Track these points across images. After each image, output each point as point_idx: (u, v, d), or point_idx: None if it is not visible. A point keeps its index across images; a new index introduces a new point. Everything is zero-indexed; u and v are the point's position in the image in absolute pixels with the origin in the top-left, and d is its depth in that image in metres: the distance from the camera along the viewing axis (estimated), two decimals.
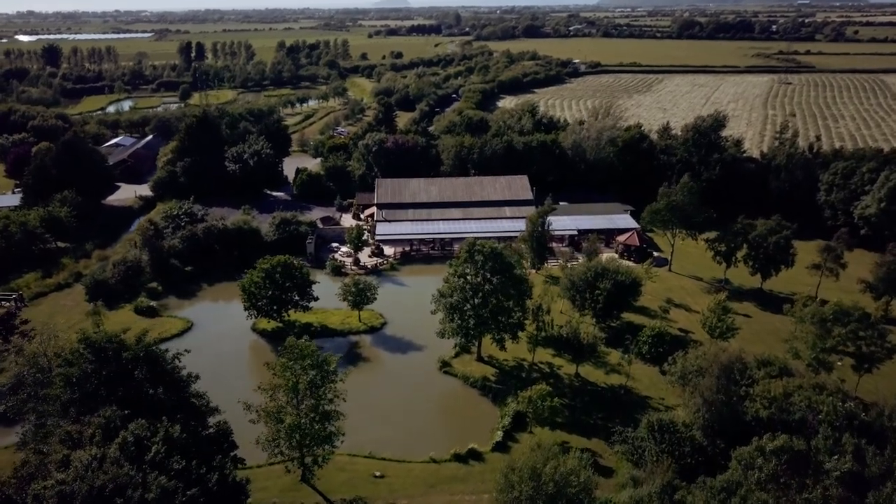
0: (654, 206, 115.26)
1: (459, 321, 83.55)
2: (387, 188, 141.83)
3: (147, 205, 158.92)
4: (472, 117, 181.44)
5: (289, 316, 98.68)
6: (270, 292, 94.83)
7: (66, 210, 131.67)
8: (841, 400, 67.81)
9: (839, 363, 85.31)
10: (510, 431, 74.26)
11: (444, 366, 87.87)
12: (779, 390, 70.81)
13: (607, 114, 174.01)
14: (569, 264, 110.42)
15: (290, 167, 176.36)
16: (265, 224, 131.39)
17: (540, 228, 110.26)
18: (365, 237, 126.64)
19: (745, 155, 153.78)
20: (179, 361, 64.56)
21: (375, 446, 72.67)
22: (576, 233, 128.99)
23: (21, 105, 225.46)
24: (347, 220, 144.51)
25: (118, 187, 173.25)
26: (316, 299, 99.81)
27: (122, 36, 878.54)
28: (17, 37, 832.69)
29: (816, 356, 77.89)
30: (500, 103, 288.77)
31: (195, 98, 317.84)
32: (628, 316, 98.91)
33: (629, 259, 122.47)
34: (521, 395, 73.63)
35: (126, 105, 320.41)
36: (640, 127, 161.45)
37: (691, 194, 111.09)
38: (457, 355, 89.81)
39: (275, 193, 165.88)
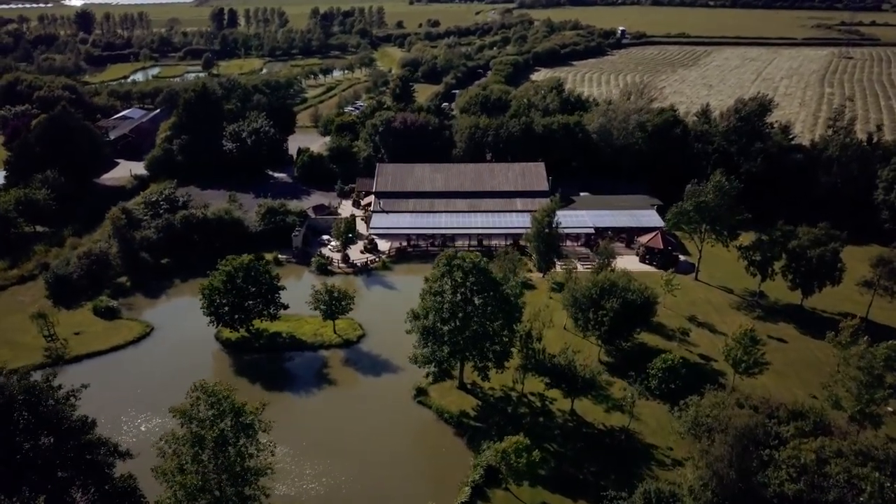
0: (680, 206, 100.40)
1: (434, 346, 71.50)
2: (388, 175, 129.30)
3: (141, 185, 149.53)
4: (489, 95, 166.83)
5: (254, 326, 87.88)
6: (232, 299, 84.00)
7: (43, 192, 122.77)
8: (889, 475, 54.18)
9: (890, 409, 71.16)
10: (482, 486, 62.42)
11: (420, 394, 76.09)
12: (811, 456, 57.16)
13: (641, 93, 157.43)
14: (575, 270, 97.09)
15: (301, 144, 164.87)
16: (252, 212, 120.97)
17: (547, 229, 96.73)
18: (356, 230, 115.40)
19: (793, 142, 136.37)
20: (76, 399, 54.04)
21: (321, 497, 61.92)
22: (592, 231, 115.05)
23: (28, 75, 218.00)
24: (348, 208, 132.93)
25: (117, 164, 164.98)
26: (285, 307, 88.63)
27: (164, 1, 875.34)
28: (63, 1, 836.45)
29: (861, 409, 63.81)
30: (534, 76, 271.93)
31: (220, 67, 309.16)
32: (642, 336, 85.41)
33: (651, 264, 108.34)
34: (494, 447, 61.54)
35: (151, 73, 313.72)
36: (674, 110, 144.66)
37: (724, 194, 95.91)
38: (435, 381, 77.76)
39: (277, 175, 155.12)
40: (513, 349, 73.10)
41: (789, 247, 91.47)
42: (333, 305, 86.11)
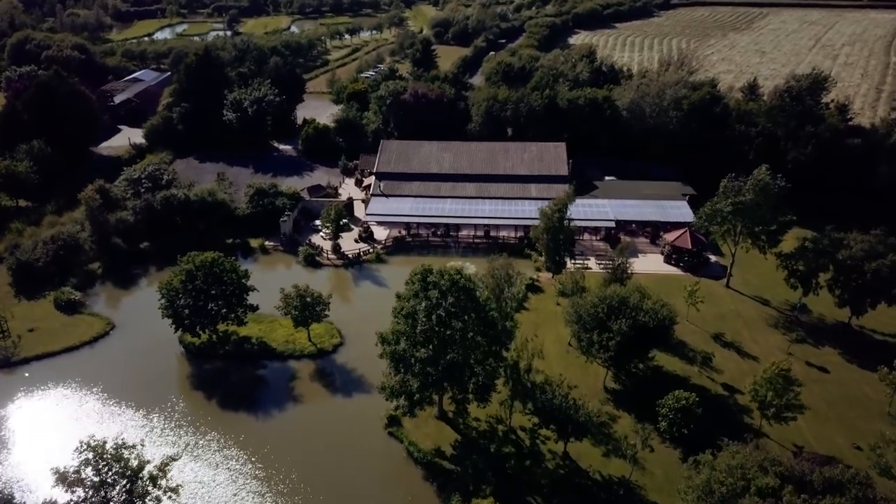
0: (713, 204, 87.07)
1: (405, 376, 61.25)
2: (391, 153, 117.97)
3: (139, 155, 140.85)
4: (512, 63, 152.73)
5: (219, 331, 78.80)
6: (191, 301, 74.86)
7: (24, 164, 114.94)
8: None
9: None
10: None
11: (392, 423, 66.22)
12: None
13: (680, 63, 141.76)
14: (586, 271, 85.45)
15: (315, 112, 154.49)
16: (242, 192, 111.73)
17: (557, 224, 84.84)
18: (352, 215, 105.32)
19: (851, 123, 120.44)
20: None
21: None
22: (613, 225, 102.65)
23: (39, 33, 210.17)
24: (350, 188, 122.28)
25: (119, 131, 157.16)
26: (254, 310, 79.25)
27: None
28: None
29: None
30: (573, 40, 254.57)
31: (246, 25, 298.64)
32: (658, 357, 73.67)
33: (677, 265, 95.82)
34: None
35: (178, 31, 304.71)
36: (714, 85, 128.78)
37: (766, 194, 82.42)
38: (408, 413, 67.39)
39: (282, 147, 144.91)
40: (498, 380, 62.51)
41: (838, 257, 78.18)
42: (305, 312, 76.23)
